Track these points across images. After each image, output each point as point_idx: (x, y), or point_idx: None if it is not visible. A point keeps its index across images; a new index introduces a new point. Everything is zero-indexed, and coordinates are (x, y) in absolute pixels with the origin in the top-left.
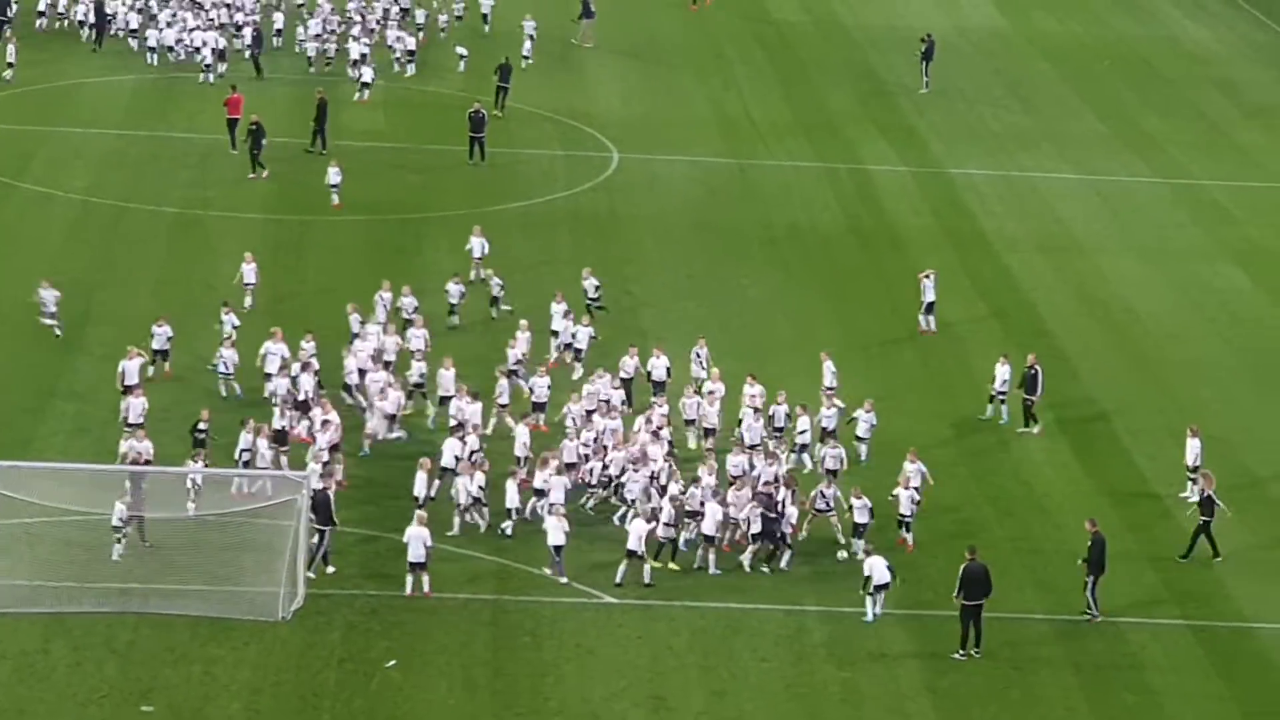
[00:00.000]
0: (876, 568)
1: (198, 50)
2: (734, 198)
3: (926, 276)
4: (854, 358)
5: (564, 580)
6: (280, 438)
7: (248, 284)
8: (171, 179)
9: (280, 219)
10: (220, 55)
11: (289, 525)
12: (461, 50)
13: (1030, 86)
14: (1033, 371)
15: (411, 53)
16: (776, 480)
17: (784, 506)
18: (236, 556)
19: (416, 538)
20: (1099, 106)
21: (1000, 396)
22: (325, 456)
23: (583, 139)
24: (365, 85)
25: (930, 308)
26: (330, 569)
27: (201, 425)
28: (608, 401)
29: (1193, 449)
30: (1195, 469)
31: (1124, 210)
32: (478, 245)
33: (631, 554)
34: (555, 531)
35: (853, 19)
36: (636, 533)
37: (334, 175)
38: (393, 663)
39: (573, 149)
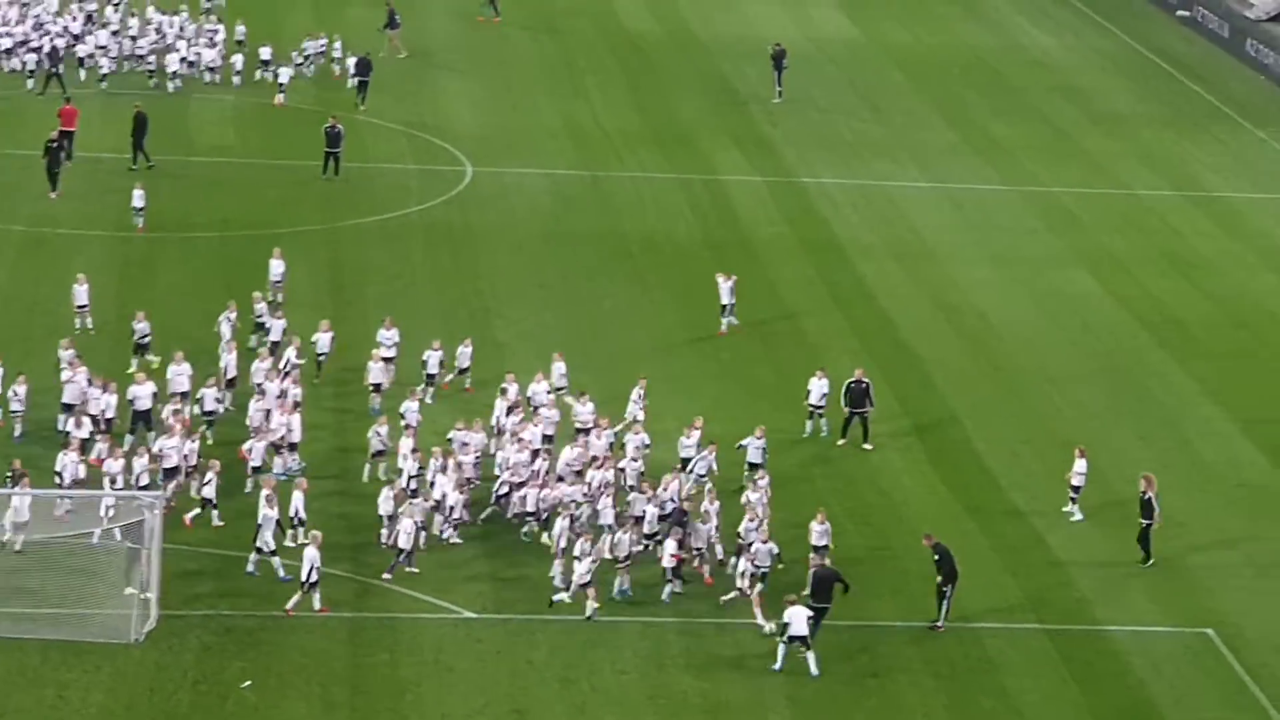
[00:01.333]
0: (796, 617)
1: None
2: (587, 209)
3: (726, 279)
4: (708, 368)
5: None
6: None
7: (80, 306)
8: (18, 195)
9: (129, 236)
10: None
11: (141, 547)
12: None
13: (882, 95)
14: (862, 385)
15: (266, 63)
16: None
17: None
18: (87, 579)
19: (310, 558)
20: (950, 115)
21: (818, 411)
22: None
23: (436, 153)
24: (282, 87)
25: (728, 309)
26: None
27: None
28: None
29: (1079, 469)
30: (1078, 488)
31: (976, 217)
32: (276, 268)
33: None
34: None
35: (705, 29)
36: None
37: (138, 199)
38: (248, 683)
39: (426, 163)
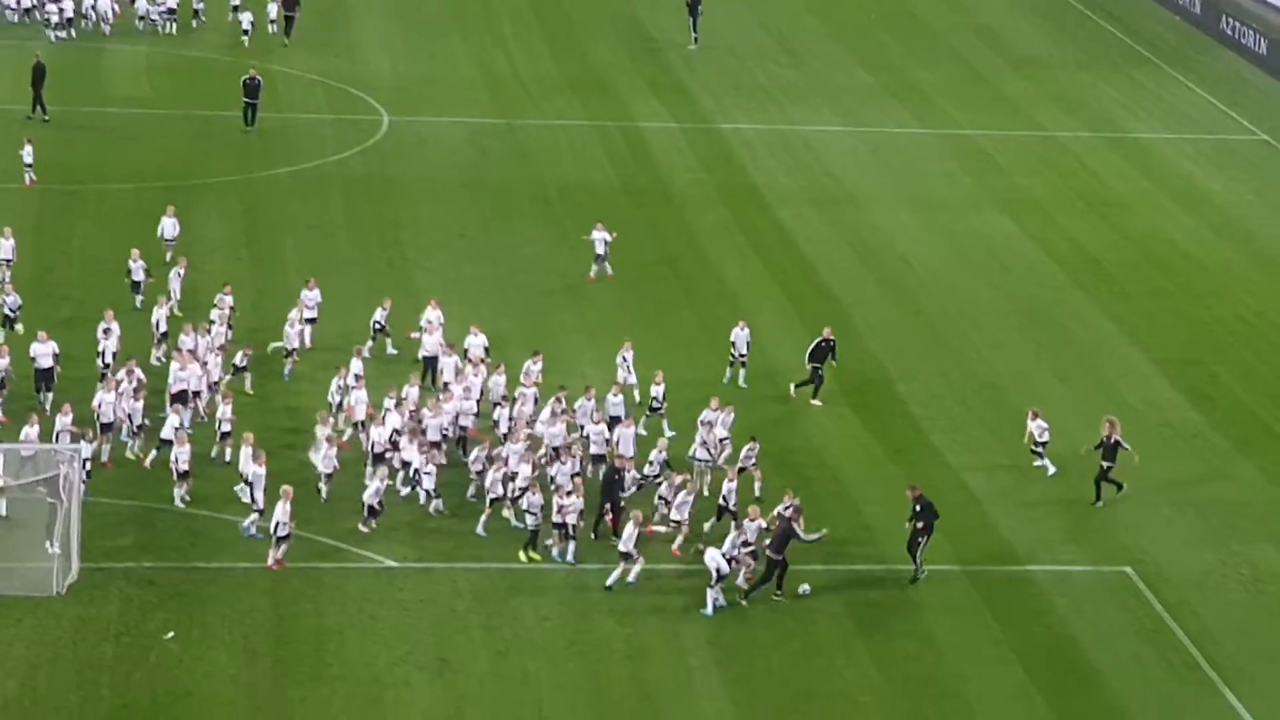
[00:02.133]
0: (715, 559)
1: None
2: (505, 157)
3: (598, 228)
4: (629, 317)
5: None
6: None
7: (5, 260)
8: None
9: (45, 188)
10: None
11: (62, 500)
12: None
13: (797, 40)
14: (829, 343)
15: (172, 11)
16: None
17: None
18: (7, 532)
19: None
20: (866, 59)
21: (740, 359)
22: None
23: (352, 102)
24: (246, 32)
25: (600, 259)
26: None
27: None
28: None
29: (1039, 428)
30: (1043, 444)
31: (894, 161)
32: (169, 226)
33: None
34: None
35: None
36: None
37: (28, 154)
38: (171, 634)
39: (342, 113)
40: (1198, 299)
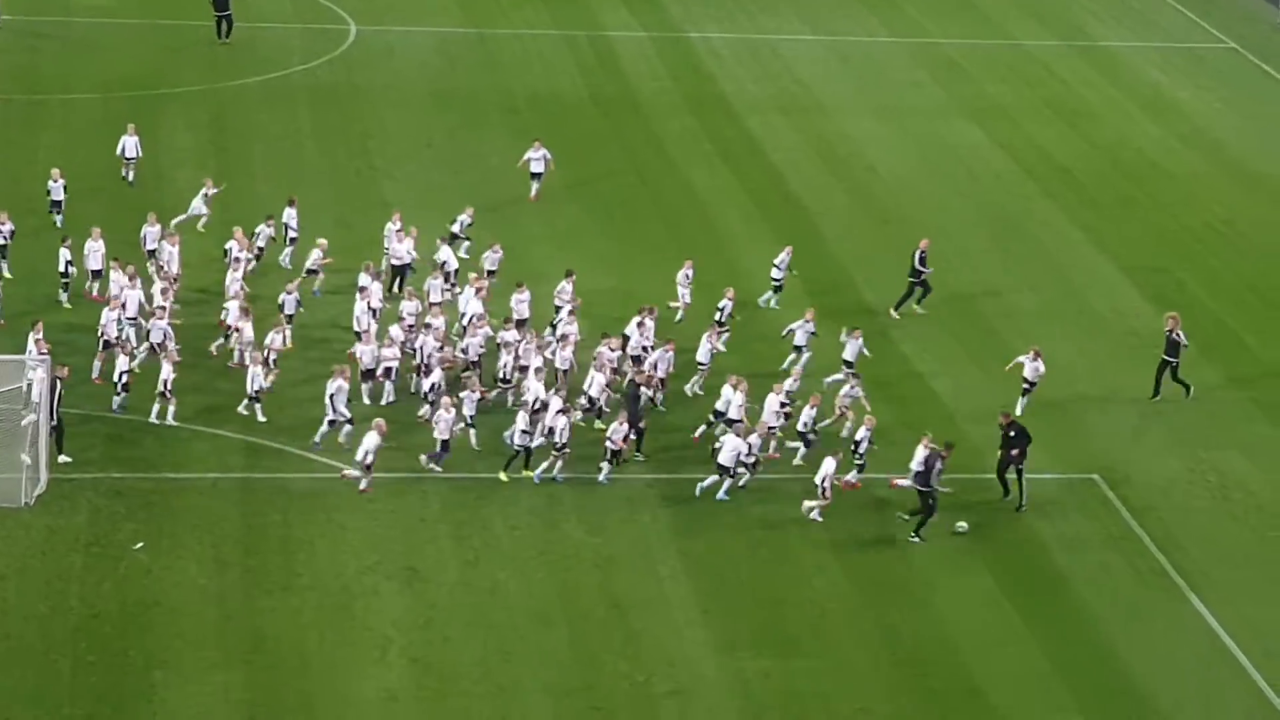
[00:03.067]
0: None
1: None
2: (473, 67)
3: (535, 147)
4: (597, 226)
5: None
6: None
7: None
8: None
9: (9, 98)
10: None
11: (28, 411)
12: None
13: None
14: (923, 254)
15: None
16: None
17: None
18: None
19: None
20: None
21: (776, 283)
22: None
23: (319, 11)
24: None
25: (537, 176)
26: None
27: None
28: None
29: (1034, 370)
30: (1033, 384)
31: (863, 70)
32: (130, 144)
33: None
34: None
35: None
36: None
37: None
38: (140, 545)
39: (309, 22)
40: (1165, 207)
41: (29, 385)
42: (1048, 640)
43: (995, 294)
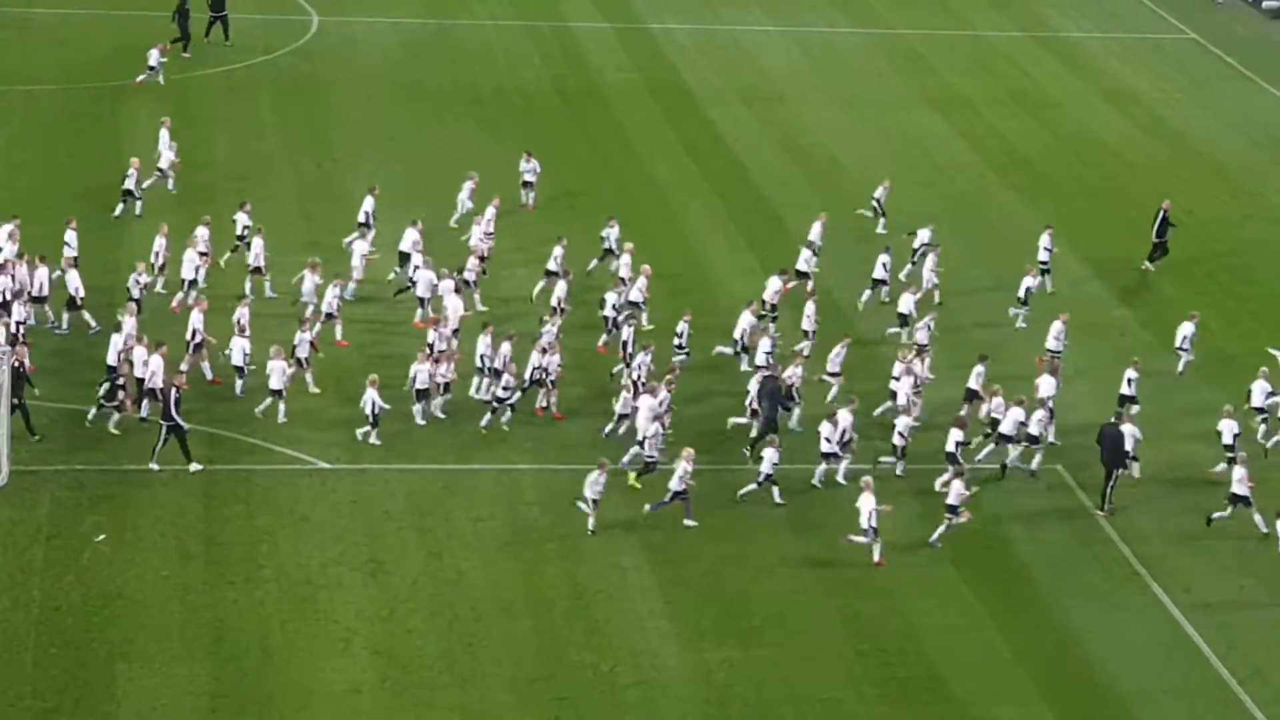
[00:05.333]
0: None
1: None
2: (436, 58)
3: (525, 159)
4: (559, 216)
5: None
6: None
7: None
8: None
9: None
10: None
11: None
12: None
13: None
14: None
15: None
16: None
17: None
18: None
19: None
20: None
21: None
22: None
23: (282, 2)
24: None
25: (528, 185)
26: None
27: None
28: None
29: (1046, 385)
30: (1047, 400)
31: (824, 60)
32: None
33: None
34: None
35: None
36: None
37: None
38: (102, 536)
39: (271, 12)
40: (1128, 197)
41: None
42: (1010, 629)
43: (957, 283)
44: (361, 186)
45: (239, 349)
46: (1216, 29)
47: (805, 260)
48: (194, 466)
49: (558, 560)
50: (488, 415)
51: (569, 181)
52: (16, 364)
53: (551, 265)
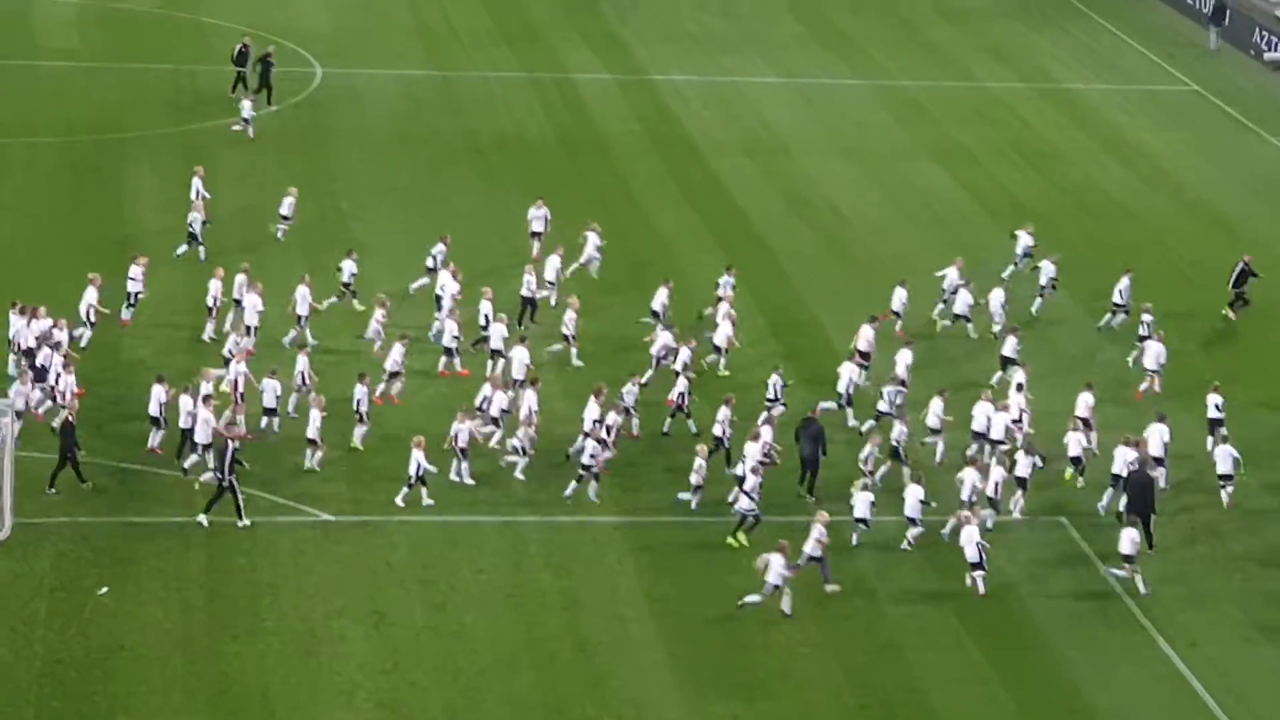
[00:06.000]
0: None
1: None
2: (439, 110)
3: (537, 205)
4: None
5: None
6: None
7: None
8: None
9: None
10: None
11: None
12: None
13: None
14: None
15: None
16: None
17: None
18: None
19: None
20: (797, 8)
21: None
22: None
23: (284, 54)
24: None
25: (536, 235)
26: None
27: None
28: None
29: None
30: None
31: (827, 111)
32: (287, 204)
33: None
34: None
35: None
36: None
37: None
38: (105, 589)
39: (276, 64)
40: (1132, 249)
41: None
42: (1014, 683)
43: (963, 337)
44: (369, 236)
45: (270, 390)
46: (1218, 80)
47: (964, 304)
48: (242, 523)
49: (560, 612)
50: (572, 484)
51: (570, 233)
52: (71, 418)
53: (655, 305)
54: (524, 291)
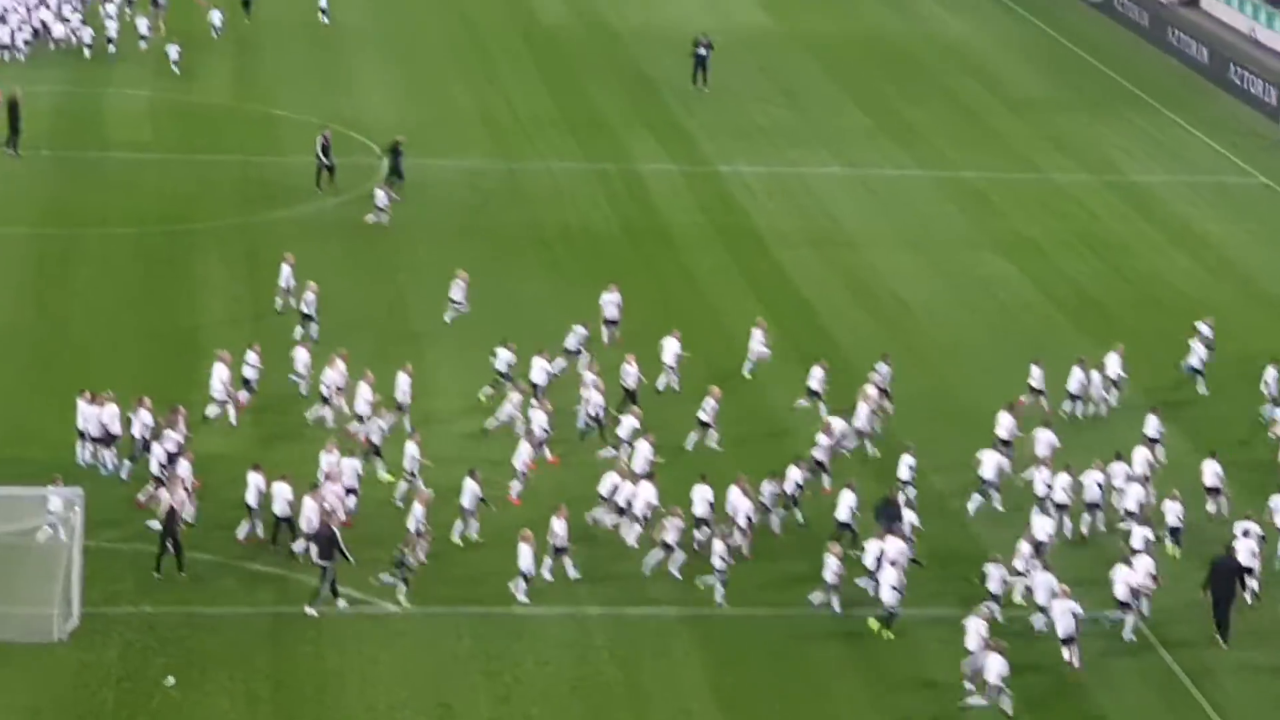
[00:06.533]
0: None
1: None
2: (504, 200)
3: (610, 290)
4: (634, 352)
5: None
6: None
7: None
8: None
9: (46, 232)
10: None
11: (64, 544)
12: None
13: (796, 82)
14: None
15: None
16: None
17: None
18: (8, 577)
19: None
20: (864, 100)
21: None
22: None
23: (351, 145)
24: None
25: (611, 323)
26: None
27: None
28: None
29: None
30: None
31: (892, 203)
32: (286, 273)
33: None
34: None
35: (620, 20)
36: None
37: None
38: (171, 680)
39: (340, 155)
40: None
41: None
42: None
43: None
44: (431, 327)
45: (350, 470)
46: None
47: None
48: (310, 611)
49: (626, 704)
50: (720, 590)
51: (638, 324)
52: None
53: (813, 385)
54: (628, 383)
